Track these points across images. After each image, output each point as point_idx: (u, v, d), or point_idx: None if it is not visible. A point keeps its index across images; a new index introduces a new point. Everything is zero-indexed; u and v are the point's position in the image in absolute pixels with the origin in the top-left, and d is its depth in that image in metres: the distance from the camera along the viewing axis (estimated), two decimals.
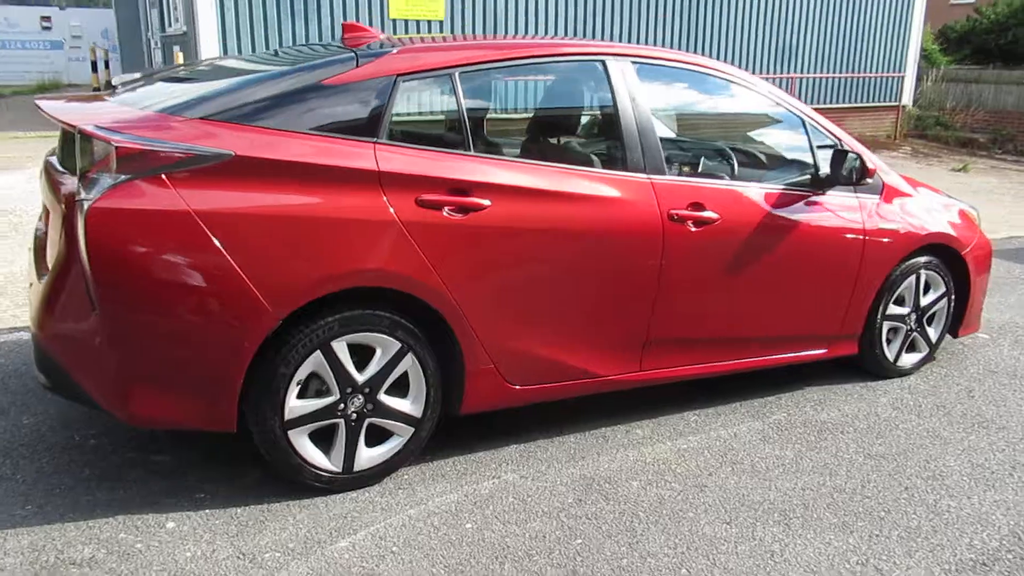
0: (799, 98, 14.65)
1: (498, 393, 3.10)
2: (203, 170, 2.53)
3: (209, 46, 10.31)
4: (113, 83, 3.41)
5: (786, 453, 3.37)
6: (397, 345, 2.86)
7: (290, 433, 2.76)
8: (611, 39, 12.91)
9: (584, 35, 12.69)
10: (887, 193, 3.95)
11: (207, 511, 2.77)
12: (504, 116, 3.49)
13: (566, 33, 12.56)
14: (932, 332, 4.27)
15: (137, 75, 2.92)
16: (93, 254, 2.45)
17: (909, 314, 4.14)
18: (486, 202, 2.89)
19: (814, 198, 3.67)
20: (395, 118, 2.87)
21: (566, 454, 3.28)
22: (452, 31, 11.80)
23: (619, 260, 3.20)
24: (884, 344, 4.10)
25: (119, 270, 2.48)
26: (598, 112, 3.61)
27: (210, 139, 2.56)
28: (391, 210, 2.74)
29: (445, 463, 3.16)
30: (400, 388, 2.95)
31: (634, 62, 3.34)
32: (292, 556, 2.56)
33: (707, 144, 4.01)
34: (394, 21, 11.35)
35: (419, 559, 2.57)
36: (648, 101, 3.31)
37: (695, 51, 13.71)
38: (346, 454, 2.87)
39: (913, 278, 4.08)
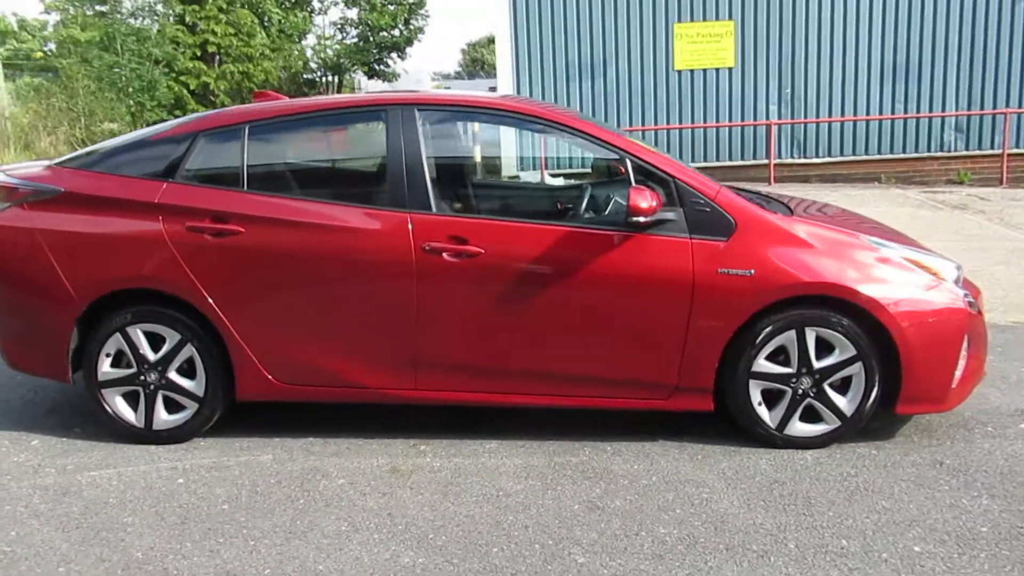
0: None
1: (264, 387, 3.76)
2: (45, 201, 3.76)
3: None
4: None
5: (519, 487, 3.38)
6: (178, 336, 3.74)
7: (104, 391, 3.82)
8: (927, 79, 11.51)
9: (886, 76, 11.53)
10: (745, 235, 3.56)
11: (63, 439, 3.96)
12: (295, 162, 4.14)
13: (868, 75, 11.55)
14: (844, 402, 3.62)
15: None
16: None
17: (795, 376, 3.61)
18: (240, 229, 3.63)
19: (620, 237, 3.55)
20: (192, 163, 3.77)
21: (336, 451, 3.76)
22: (743, 78, 11.70)
23: (371, 284, 3.63)
24: (754, 407, 3.64)
25: None
26: (372, 156, 4.01)
27: (53, 180, 3.79)
28: (164, 233, 3.66)
29: (241, 440, 3.89)
30: (192, 371, 3.80)
31: (421, 109, 3.73)
32: (61, 473, 3.60)
33: (543, 185, 4.06)
34: (679, 72, 11.70)
35: (116, 491, 3.41)
36: (424, 145, 3.66)
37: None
38: (146, 415, 3.82)
39: (792, 333, 3.57)
